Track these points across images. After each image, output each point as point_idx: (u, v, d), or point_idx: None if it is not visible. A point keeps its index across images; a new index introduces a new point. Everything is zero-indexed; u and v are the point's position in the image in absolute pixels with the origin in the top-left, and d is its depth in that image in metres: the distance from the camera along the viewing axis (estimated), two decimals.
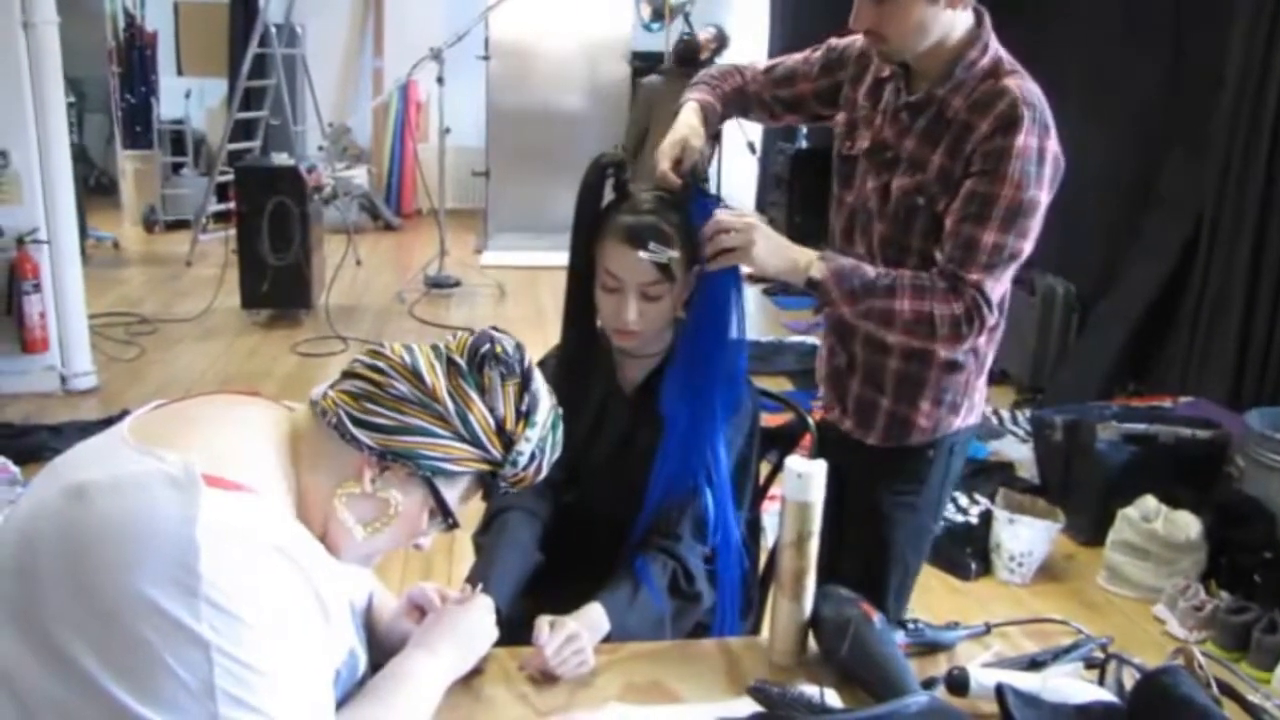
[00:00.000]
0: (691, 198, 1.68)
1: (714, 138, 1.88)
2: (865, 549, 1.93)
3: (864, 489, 1.92)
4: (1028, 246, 1.67)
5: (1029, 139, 1.62)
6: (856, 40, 1.85)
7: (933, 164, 1.70)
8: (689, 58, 6.68)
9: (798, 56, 1.96)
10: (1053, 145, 1.65)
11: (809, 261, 1.64)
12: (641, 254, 1.60)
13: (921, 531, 1.96)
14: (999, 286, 1.67)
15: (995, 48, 1.71)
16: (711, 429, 1.67)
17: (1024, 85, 1.66)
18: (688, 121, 1.80)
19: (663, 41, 7.84)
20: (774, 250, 1.63)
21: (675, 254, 1.62)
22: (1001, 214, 1.63)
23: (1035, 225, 1.66)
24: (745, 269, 1.64)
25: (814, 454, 1.84)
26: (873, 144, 1.80)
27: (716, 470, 1.67)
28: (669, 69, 6.73)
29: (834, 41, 1.93)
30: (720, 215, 1.61)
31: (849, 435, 1.93)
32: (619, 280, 1.64)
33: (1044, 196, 1.65)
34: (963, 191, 1.66)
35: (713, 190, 1.96)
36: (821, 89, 1.93)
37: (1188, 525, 3.20)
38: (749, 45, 8.25)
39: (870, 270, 1.66)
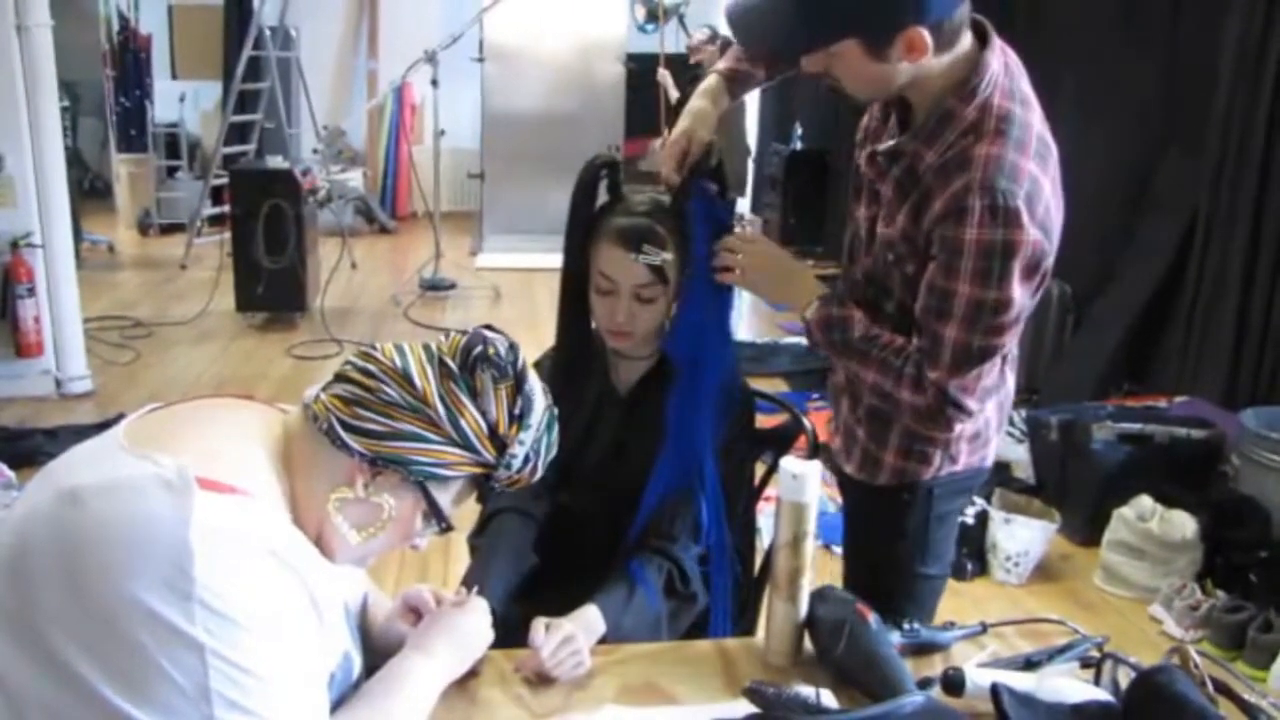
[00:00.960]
0: (693, 194, 1.64)
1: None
2: (867, 587, 1.65)
3: (853, 523, 1.85)
4: (1005, 340, 1.47)
5: (981, 233, 1.38)
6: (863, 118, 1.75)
7: (898, 222, 1.52)
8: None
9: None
10: (1024, 233, 1.38)
11: (807, 304, 1.61)
12: (635, 257, 1.60)
13: (913, 578, 1.75)
14: (973, 383, 1.47)
15: (990, 88, 1.44)
16: (705, 428, 1.66)
17: (995, 157, 1.39)
18: (697, 108, 1.71)
19: (657, 43, 7.85)
20: (776, 284, 1.63)
21: (669, 256, 1.62)
22: (962, 312, 1.43)
23: (1010, 321, 1.44)
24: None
25: (810, 455, 1.84)
26: (866, 169, 1.64)
27: (707, 472, 1.67)
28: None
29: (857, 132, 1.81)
30: (729, 240, 1.62)
31: (836, 458, 1.83)
32: (613, 282, 1.64)
33: (1015, 292, 1.41)
34: (926, 277, 1.47)
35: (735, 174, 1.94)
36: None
37: (1183, 525, 3.20)
38: None
39: (857, 329, 1.55)
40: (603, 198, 1.70)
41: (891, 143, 1.53)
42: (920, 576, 1.76)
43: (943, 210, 1.42)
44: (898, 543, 1.75)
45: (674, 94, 7.07)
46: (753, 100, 9.37)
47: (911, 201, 1.49)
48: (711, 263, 1.62)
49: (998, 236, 1.38)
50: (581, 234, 1.67)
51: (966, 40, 1.46)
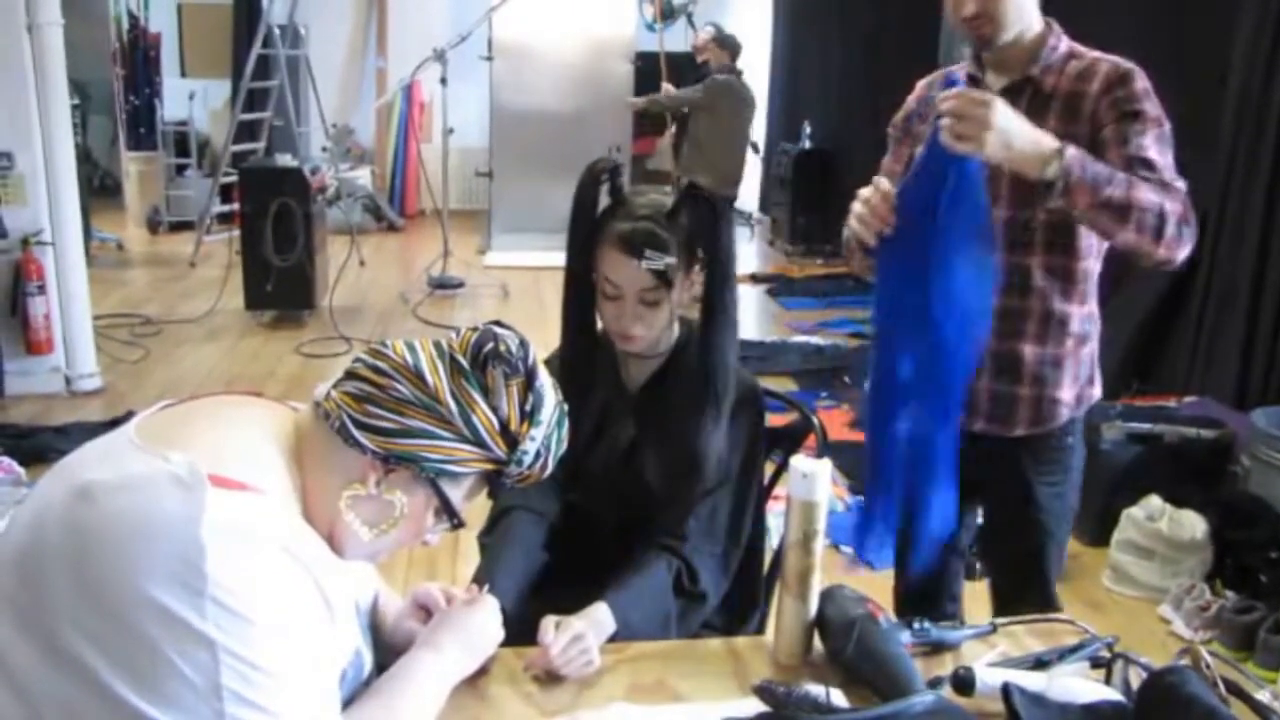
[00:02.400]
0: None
1: None
2: (1023, 539, 2.00)
3: (1013, 484, 1.97)
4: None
5: (1144, 82, 1.78)
6: (910, 97, 2.04)
7: (1048, 132, 1.72)
8: (735, 54, 6.75)
9: (885, 163, 2.06)
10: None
11: (1052, 150, 1.62)
12: (637, 262, 1.60)
13: (1070, 512, 2.03)
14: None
15: (1067, 39, 1.87)
16: (970, 328, 1.71)
17: (1109, 58, 1.82)
18: None
19: (668, 41, 7.86)
20: (1009, 140, 1.59)
21: (672, 260, 1.62)
22: (1156, 144, 1.74)
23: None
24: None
25: (819, 453, 1.84)
26: None
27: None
28: (733, 68, 6.78)
29: (890, 127, 2.07)
30: (953, 100, 1.59)
31: (985, 435, 1.94)
32: (618, 287, 1.65)
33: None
34: (1110, 138, 1.75)
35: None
36: (910, 157, 1.95)
37: (1193, 525, 3.19)
38: (749, 46, 8.23)
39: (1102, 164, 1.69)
40: (604, 201, 1.69)
41: (1014, 79, 1.85)
42: (1073, 510, 2.04)
43: (1103, 86, 1.78)
44: (1065, 485, 1.98)
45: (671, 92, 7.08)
46: (761, 99, 9.37)
47: (1055, 112, 1.81)
48: (941, 135, 1.59)
49: (1151, 89, 1.78)
50: (583, 238, 1.67)
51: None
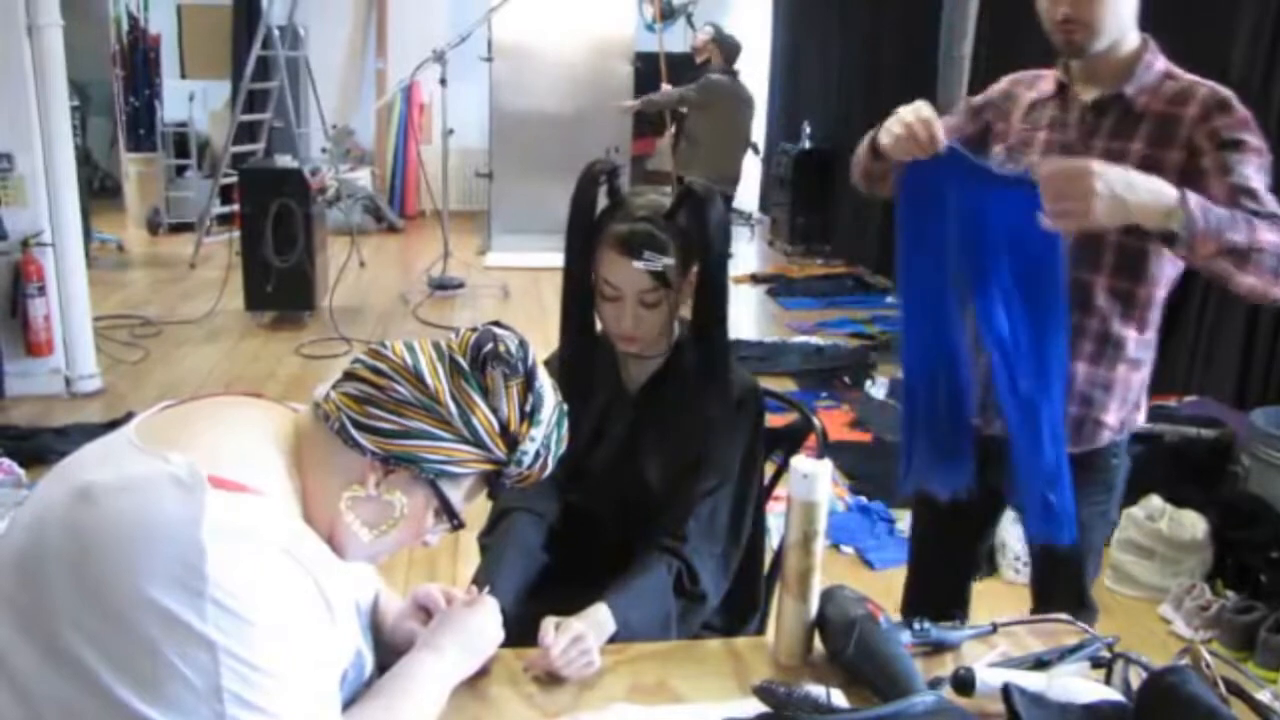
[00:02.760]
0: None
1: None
2: (1064, 553, 1.92)
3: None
4: None
5: (1244, 110, 1.72)
6: (996, 87, 1.98)
7: (1132, 153, 1.75)
8: (734, 57, 6.75)
9: (943, 118, 1.93)
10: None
11: (1174, 201, 1.53)
12: (637, 264, 1.61)
13: (1111, 525, 2.06)
14: None
15: (1164, 58, 1.81)
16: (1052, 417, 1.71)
17: (1207, 83, 1.76)
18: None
19: (667, 42, 7.85)
20: (1122, 200, 1.50)
21: (670, 261, 1.62)
22: (1259, 174, 1.67)
23: None
24: None
25: (819, 454, 1.84)
26: (1044, 152, 1.84)
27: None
28: (729, 70, 6.78)
29: (971, 98, 2.03)
30: (1051, 176, 1.52)
31: None
32: (617, 289, 1.65)
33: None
34: (1210, 168, 1.68)
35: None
36: (969, 135, 1.95)
37: (1193, 525, 3.19)
38: (750, 46, 8.24)
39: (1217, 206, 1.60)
40: (603, 202, 1.69)
41: (1105, 94, 1.79)
42: (1113, 524, 2.08)
43: (1201, 112, 1.72)
44: (1108, 505, 1.99)
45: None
46: (761, 99, 9.37)
47: (1144, 133, 1.76)
48: (1044, 217, 1.52)
49: (1251, 117, 1.72)
50: (582, 240, 1.67)
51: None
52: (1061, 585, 2.03)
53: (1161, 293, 1.85)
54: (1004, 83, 1.99)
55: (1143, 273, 1.81)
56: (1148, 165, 1.68)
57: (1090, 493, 1.91)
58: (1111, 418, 1.89)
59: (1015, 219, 1.60)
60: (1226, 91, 1.74)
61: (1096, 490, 1.94)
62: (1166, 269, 1.82)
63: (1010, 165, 1.87)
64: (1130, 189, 1.51)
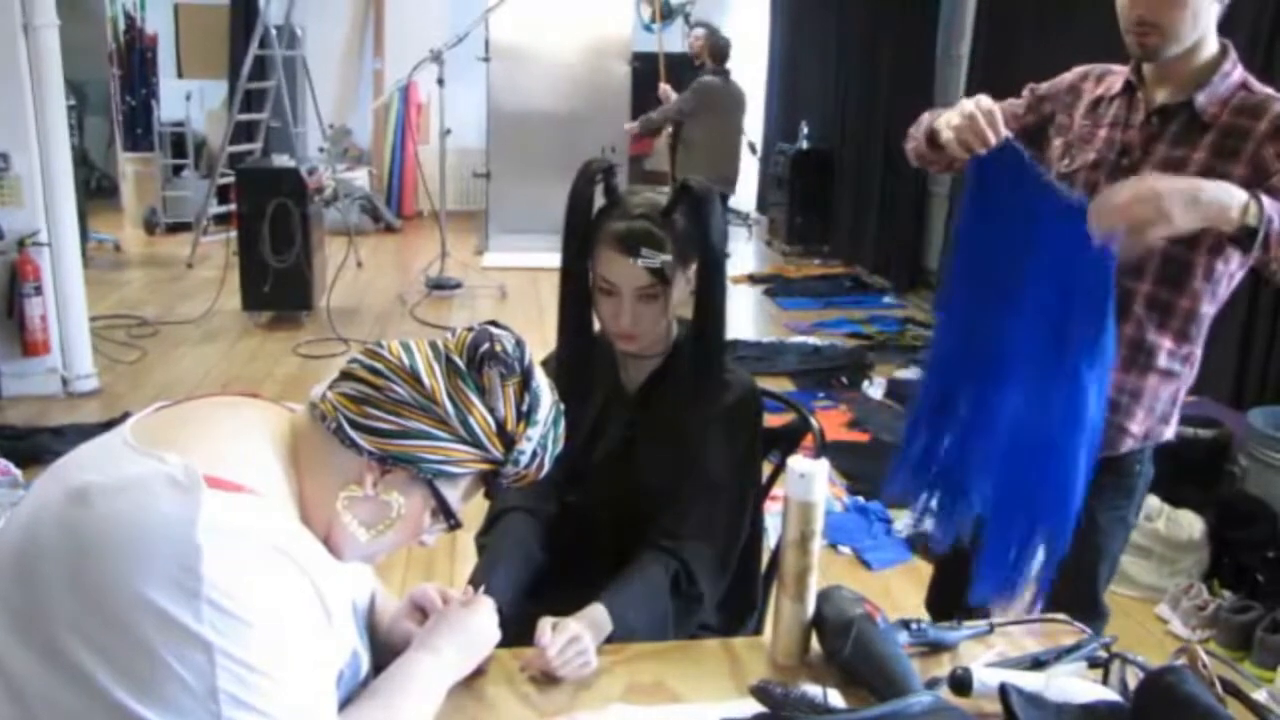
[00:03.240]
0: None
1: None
2: (1080, 555, 1.82)
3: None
4: None
5: None
6: (1064, 77, 1.95)
7: (1193, 162, 1.71)
8: (724, 56, 6.75)
9: (1003, 103, 1.91)
10: None
11: (1244, 206, 1.50)
12: (634, 261, 1.61)
13: (1129, 530, 2.00)
14: None
15: (1242, 68, 1.76)
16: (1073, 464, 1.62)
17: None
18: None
19: (666, 42, 7.86)
20: (1194, 202, 1.48)
21: (668, 258, 1.62)
22: None
23: None
24: None
25: (816, 454, 1.84)
26: (1100, 157, 1.83)
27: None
28: (720, 69, 6.78)
29: (1035, 86, 1.99)
30: (1118, 197, 1.50)
31: None
32: (614, 286, 1.65)
33: None
34: (1274, 177, 1.62)
35: None
36: (1028, 124, 1.95)
37: (1190, 524, 3.20)
38: (748, 46, 8.25)
39: None
40: (600, 201, 1.69)
41: (1174, 100, 1.75)
42: (1131, 528, 2.01)
43: (1272, 127, 1.66)
44: (1128, 511, 1.95)
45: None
46: (759, 99, 9.38)
47: (1209, 143, 1.71)
48: (1116, 252, 1.51)
49: None
50: (579, 239, 1.67)
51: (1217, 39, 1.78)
52: (1074, 589, 1.96)
53: (1207, 309, 1.82)
54: (1072, 74, 1.95)
55: (1185, 284, 1.77)
56: (1209, 174, 1.64)
57: (1111, 498, 1.89)
58: (1137, 427, 1.87)
59: (1066, 249, 1.56)
60: None
61: (1118, 496, 1.92)
62: (1213, 286, 1.79)
63: (1066, 161, 1.86)
64: (1199, 189, 1.50)
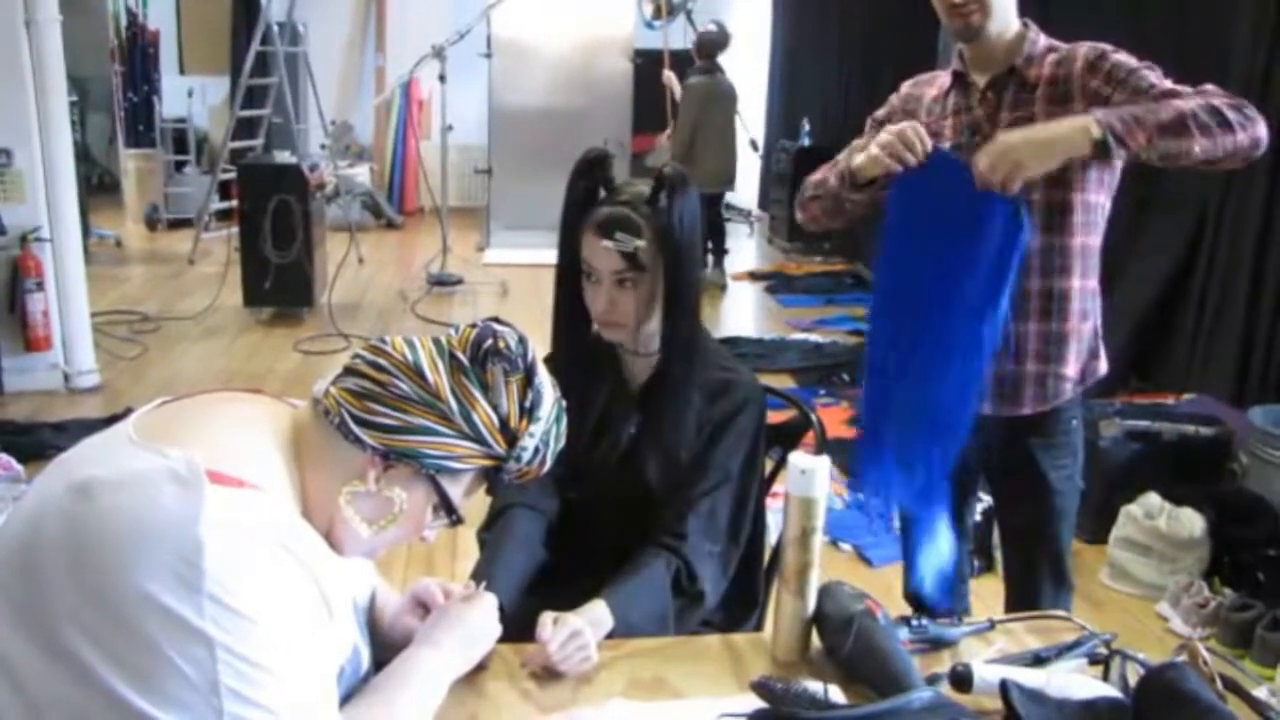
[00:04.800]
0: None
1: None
2: (1041, 522, 2.09)
3: (1023, 469, 2.05)
4: None
5: (1121, 52, 1.86)
6: (894, 96, 2.13)
7: (1036, 116, 1.88)
8: (712, 52, 6.72)
9: (856, 142, 2.07)
10: None
11: (1085, 126, 1.69)
12: (606, 243, 1.61)
13: (1078, 491, 2.11)
14: None
15: (1045, 36, 1.97)
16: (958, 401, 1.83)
17: (1083, 43, 1.91)
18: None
19: (666, 39, 7.85)
20: (1041, 144, 1.71)
21: (641, 243, 1.62)
22: (1161, 80, 1.80)
23: None
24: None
25: (817, 450, 1.84)
26: (956, 141, 1.97)
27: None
28: (705, 66, 6.75)
29: (874, 115, 2.14)
30: (980, 164, 1.71)
31: (990, 417, 1.98)
32: (594, 270, 1.66)
33: None
34: (1121, 101, 1.79)
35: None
36: None
37: (1191, 522, 3.20)
38: (750, 44, 8.24)
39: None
40: (602, 194, 1.70)
41: (998, 73, 1.93)
42: (1078, 491, 2.10)
43: (1084, 65, 1.86)
44: (1073, 468, 2.06)
45: (679, 93, 7.07)
46: (761, 96, 9.37)
47: (1042, 96, 1.89)
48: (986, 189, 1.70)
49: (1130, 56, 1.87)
50: (571, 231, 1.68)
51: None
52: (1036, 564, 2.12)
53: (1094, 241, 1.96)
54: (902, 89, 2.12)
55: (1068, 225, 1.91)
56: (1052, 119, 1.82)
57: (1055, 457, 2.04)
58: (1071, 369, 1.98)
59: (996, 225, 1.76)
60: (1101, 45, 1.88)
61: (1062, 454, 2.05)
62: (1091, 215, 1.93)
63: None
64: (1040, 130, 1.73)
